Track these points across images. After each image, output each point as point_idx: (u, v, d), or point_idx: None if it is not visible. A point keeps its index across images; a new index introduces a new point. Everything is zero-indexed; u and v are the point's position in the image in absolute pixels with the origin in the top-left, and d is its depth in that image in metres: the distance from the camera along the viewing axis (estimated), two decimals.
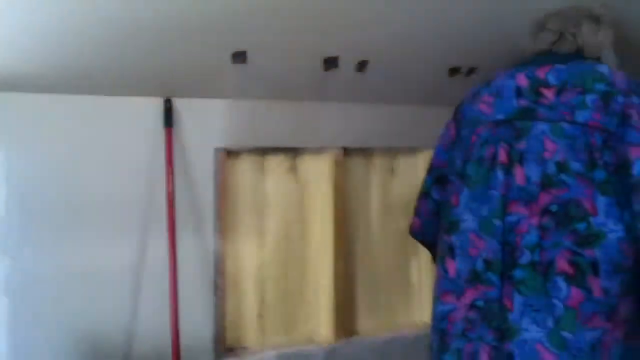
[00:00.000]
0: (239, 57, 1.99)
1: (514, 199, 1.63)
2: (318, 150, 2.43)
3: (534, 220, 1.60)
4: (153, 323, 2.12)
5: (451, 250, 1.73)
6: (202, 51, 1.95)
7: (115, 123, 2.05)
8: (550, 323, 1.56)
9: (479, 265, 1.67)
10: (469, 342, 1.67)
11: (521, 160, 1.64)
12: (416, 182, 2.65)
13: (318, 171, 2.45)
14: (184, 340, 2.10)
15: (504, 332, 1.61)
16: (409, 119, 2.50)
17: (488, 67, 2.46)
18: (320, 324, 2.48)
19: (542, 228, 1.60)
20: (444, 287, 1.75)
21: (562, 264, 1.57)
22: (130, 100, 2.05)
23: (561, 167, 1.61)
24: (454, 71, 2.38)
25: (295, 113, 2.31)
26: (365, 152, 2.54)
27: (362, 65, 2.18)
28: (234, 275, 2.32)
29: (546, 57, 1.76)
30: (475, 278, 1.67)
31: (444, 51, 2.25)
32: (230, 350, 2.30)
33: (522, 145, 1.65)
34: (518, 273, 1.60)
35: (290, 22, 1.90)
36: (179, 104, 2.13)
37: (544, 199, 1.60)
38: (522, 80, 1.72)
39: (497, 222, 1.64)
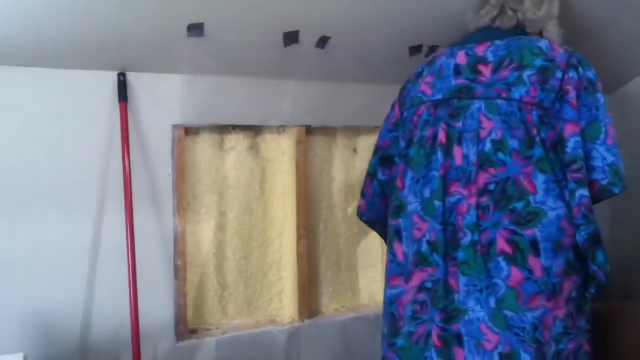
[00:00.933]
0: (195, 29, 1.94)
1: (453, 180, 1.62)
2: (279, 129, 2.39)
3: (473, 200, 1.59)
4: (111, 305, 2.05)
5: (398, 234, 1.73)
6: (157, 23, 1.89)
7: (67, 97, 1.97)
8: (492, 303, 1.56)
9: (424, 247, 1.66)
10: (420, 324, 1.66)
11: (459, 140, 1.63)
12: None
13: (279, 150, 2.41)
14: (143, 323, 2.04)
15: (450, 313, 1.61)
16: (371, 98, 2.47)
17: (449, 45, 2.46)
18: (283, 304, 2.45)
19: (480, 208, 1.59)
20: (392, 271, 1.75)
21: (502, 243, 1.56)
22: (83, 74, 1.98)
23: (498, 145, 1.58)
24: (414, 49, 2.36)
25: (256, 90, 2.26)
26: (328, 130, 2.50)
27: (322, 41, 2.14)
28: (194, 256, 2.27)
29: (487, 32, 1.75)
30: (421, 260, 1.66)
31: (404, 29, 2.23)
32: (193, 332, 2.25)
33: (459, 124, 1.63)
34: (460, 254, 1.60)
35: None
36: (134, 78, 2.06)
37: (482, 178, 1.59)
38: (462, 58, 1.70)
39: (438, 203, 1.63)
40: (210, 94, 2.18)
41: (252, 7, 1.92)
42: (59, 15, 1.75)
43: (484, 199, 1.58)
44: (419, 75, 1.80)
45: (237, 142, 2.34)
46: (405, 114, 1.78)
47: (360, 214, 1.98)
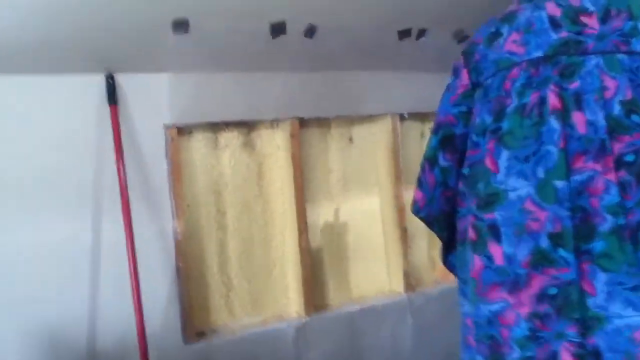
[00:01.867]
0: (181, 26, 1.92)
1: (577, 153, 1.33)
2: (272, 123, 2.37)
3: (611, 176, 1.32)
4: (115, 311, 2.02)
5: (494, 231, 1.37)
6: (142, 20, 1.86)
7: (58, 103, 1.94)
8: None
9: (544, 242, 1.33)
10: (541, 345, 1.34)
11: (579, 104, 1.35)
12: (376, 150, 2.63)
13: (274, 144, 2.39)
14: (149, 327, 2.01)
15: (586, 323, 1.30)
16: (363, 85, 2.46)
17: (439, 28, 2.44)
18: (289, 300, 2.42)
19: (621, 184, 1.32)
20: (488, 280, 1.36)
21: None
22: (71, 78, 1.95)
23: (630, 106, 1.34)
24: (403, 34, 2.35)
25: (246, 85, 2.24)
26: (322, 121, 2.48)
27: (310, 31, 2.13)
28: (197, 257, 2.24)
29: None
30: (541, 260, 1.33)
31: (393, 13, 2.22)
32: (200, 334, 2.22)
33: (575, 84, 1.35)
34: (598, 245, 1.32)
35: None
36: (122, 79, 2.03)
37: (616, 148, 1.33)
38: (554, 9, 1.41)
39: (561, 184, 1.32)
40: (200, 92, 2.16)
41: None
42: (42, 19, 1.73)
43: (623, 174, 1.32)
44: (496, 35, 1.43)
45: (231, 139, 2.31)
46: (484, 81, 1.42)
47: (417, 210, 1.58)
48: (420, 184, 1.55)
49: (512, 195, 1.35)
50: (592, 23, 1.38)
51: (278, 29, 2.07)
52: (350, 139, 2.57)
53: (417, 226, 2.63)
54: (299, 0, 1.99)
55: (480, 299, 1.38)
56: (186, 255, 2.17)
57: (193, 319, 2.18)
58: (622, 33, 1.36)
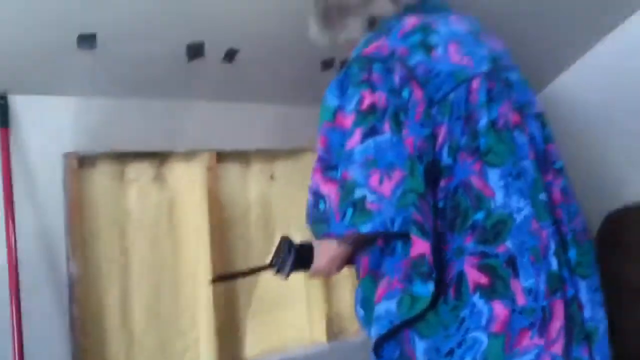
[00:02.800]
0: (87, 40, 1.70)
1: (539, 164, 1.32)
2: (187, 155, 2.17)
3: (558, 182, 1.34)
4: None
5: (511, 264, 1.21)
6: (43, 36, 1.64)
7: None
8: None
9: (553, 263, 1.23)
10: None
11: (525, 117, 1.35)
12: (299, 188, 2.47)
13: (188, 179, 2.18)
14: None
15: (588, 342, 1.25)
16: (286, 119, 2.31)
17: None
18: (200, 353, 2.17)
19: (563, 191, 1.34)
20: (516, 326, 1.19)
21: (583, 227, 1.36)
22: None
23: (545, 118, 1.40)
24: (326, 64, 2.23)
25: (159, 112, 2.03)
26: (241, 155, 2.30)
27: (230, 55, 1.96)
28: (94, 305, 1.97)
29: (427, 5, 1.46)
30: (556, 283, 1.22)
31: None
32: None
33: (516, 98, 1.35)
34: (572, 253, 1.29)
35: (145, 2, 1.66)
36: (17, 101, 1.79)
37: (550, 156, 1.36)
38: (460, 23, 1.41)
39: (543, 197, 1.27)
40: (107, 118, 1.93)
41: (151, 16, 1.72)
42: None
43: (559, 180, 1.36)
44: (426, 46, 1.32)
45: (140, 172, 2.09)
46: (451, 95, 1.29)
47: (431, 269, 1.24)
48: (424, 231, 1.24)
49: (518, 218, 1.22)
50: (488, 41, 1.40)
51: (195, 51, 1.89)
52: (272, 176, 2.40)
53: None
54: (219, 21, 1.82)
55: (511, 356, 1.18)
56: (82, 301, 1.90)
57: None
58: (506, 53, 1.43)
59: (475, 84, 1.30)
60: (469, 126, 1.28)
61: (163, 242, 2.14)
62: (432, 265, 1.22)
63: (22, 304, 1.70)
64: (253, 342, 2.31)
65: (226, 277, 1.99)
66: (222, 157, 2.22)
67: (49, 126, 1.85)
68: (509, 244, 1.22)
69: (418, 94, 1.27)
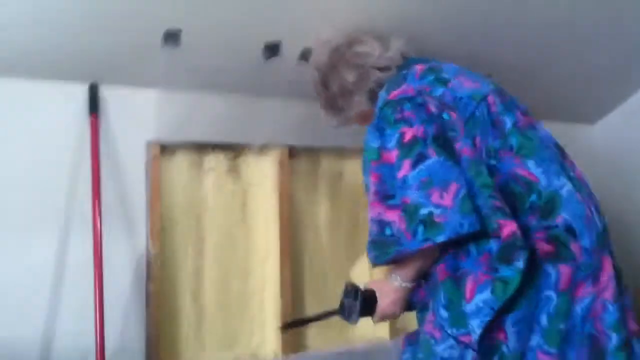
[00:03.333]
0: (172, 38, 1.84)
1: (559, 151, 1.60)
2: (261, 149, 2.27)
3: (574, 166, 1.61)
4: (74, 335, 1.87)
5: (570, 231, 1.46)
6: (132, 31, 1.79)
7: (34, 109, 1.86)
8: None
9: (599, 224, 1.50)
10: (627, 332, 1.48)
11: (531, 118, 1.62)
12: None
13: (261, 172, 2.29)
14: (111, 356, 1.87)
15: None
16: None
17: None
18: (266, 337, 2.27)
19: (581, 172, 1.62)
20: (575, 280, 1.45)
21: None
22: (53, 85, 1.87)
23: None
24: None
25: (235, 107, 2.15)
26: (312, 152, 2.39)
27: (306, 54, 2.05)
28: (169, 282, 2.11)
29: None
30: (603, 241, 1.50)
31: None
32: None
33: (520, 107, 1.62)
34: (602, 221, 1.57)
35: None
36: (106, 91, 1.96)
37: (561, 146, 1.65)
38: (452, 66, 1.67)
39: (573, 175, 1.56)
40: (187, 110, 2.07)
41: (232, 15, 1.84)
42: (30, 24, 1.66)
43: (575, 166, 1.63)
44: (442, 80, 1.59)
45: (216, 163, 2.22)
46: (476, 112, 1.55)
47: (523, 243, 1.44)
48: (507, 214, 1.45)
49: (564, 193, 1.48)
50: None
51: (272, 51, 1.99)
52: (341, 173, 2.47)
53: None
54: (297, 21, 1.92)
55: (567, 301, 1.44)
56: (158, 279, 2.04)
57: (159, 349, 2.03)
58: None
59: (490, 99, 1.57)
60: (499, 131, 1.54)
61: (235, 230, 2.25)
62: (523, 238, 1.41)
63: (104, 276, 1.85)
64: (317, 332, 2.38)
65: (295, 324, 2.08)
66: (294, 153, 2.32)
67: (134, 115, 2.01)
68: (564, 214, 1.46)
69: (454, 115, 1.53)
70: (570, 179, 1.52)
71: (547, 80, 2.55)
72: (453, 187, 1.41)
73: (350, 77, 1.71)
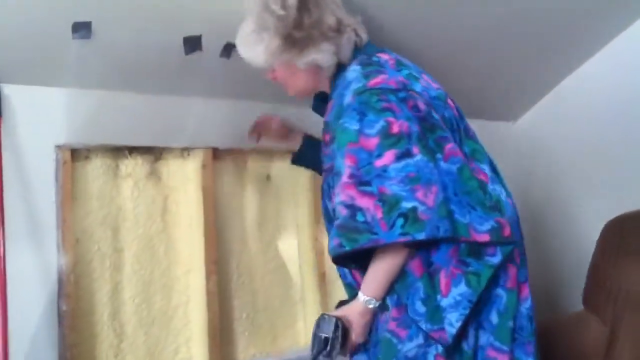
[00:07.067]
0: (82, 29, 1.68)
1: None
2: (183, 152, 2.14)
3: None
4: None
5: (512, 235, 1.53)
6: (36, 22, 1.62)
7: None
8: None
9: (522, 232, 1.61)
10: None
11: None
12: (295, 189, 2.43)
13: (184, 175, 2.15)
14: None
15: None
16: (288, 118, 2.28)
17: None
18: (193, 352, 2.12)
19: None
20: (522, 278, 1.55)
21: None
22: None
23: None
24: None
25: (154, 106, 2.01)
26: (237, 153, 2.27)
27: (227, 49, 1.93)
28: (84, 300, 1.93)
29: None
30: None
31: None
32: None
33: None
34: None
35: None
36: (10, 91, 1.76)
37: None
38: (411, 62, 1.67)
39: (504, 183, 1.62)
40: (100, 110, 1.91)
41: (148, 5, 1.70)
42: None
43: None
44: (413, 76, 1.57)
45: (134, 167, 2.06)
46: (446, 114, 1.57)
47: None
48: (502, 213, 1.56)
49: (503, 198, 1.54)
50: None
51: (193, 44, 1.87)
52: (268, 176, 2.37)
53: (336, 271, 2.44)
54: (218, 15, 1.80)
55: (520, 304, 1.51)
56: (72, 297, 1.86)
57: None
58: None
59: (449, 102, 1.60)
60: (459, 134, 1.57)
61: (156, 239, 2.10)
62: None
63: (9, 294, 1.66)
64: (246, 343, 2.26)
65: None
66: (218, 154, 2.20)
67: (42, 117, 1.82)
68: (506, 218, 1.50)
69: (437, 115, 1.52)
70: (503, 185, 1.58)
71: (467, 78, 2.56)
72: (434, 189, 1.41)
73: (330, 20, 1.57)
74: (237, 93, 2.14)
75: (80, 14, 1.66)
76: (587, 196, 2.82)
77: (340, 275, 1.68)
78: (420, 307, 1.41)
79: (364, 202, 1.40)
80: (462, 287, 1.41)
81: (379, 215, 1.38)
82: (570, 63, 2.79)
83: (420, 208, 1.37)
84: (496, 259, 1.44)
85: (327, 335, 1.41)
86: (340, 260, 1.51)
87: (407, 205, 1.37)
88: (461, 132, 1.58)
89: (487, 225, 1.44)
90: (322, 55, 1.58)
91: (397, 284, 1.47)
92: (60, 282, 1.84)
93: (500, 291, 1.48)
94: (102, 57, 1.79)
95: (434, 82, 1.62)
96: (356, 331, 1.47)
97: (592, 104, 2.78)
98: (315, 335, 1.44)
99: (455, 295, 1.41)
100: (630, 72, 2.64)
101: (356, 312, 1.47)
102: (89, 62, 1.79)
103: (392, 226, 1.37)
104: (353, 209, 1.41)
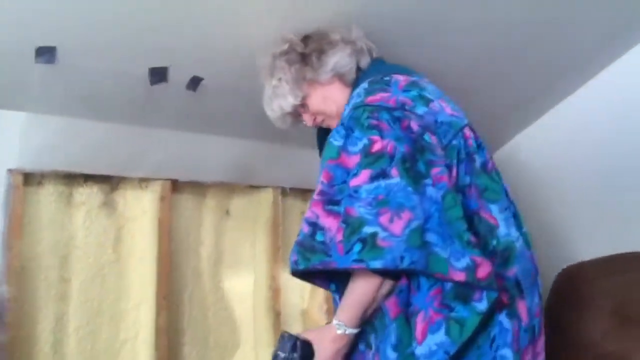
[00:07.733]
0: (46, 54, 1.65)
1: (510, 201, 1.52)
2: (141, 182, 2.10)
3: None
4: None
5: (518, 287, 1.38)
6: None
7: None
8: None
9: (540, 287, 1.47)
10: None
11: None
12: (253, 225, 2.40)
13: (140, 207, 2.10)
14: None
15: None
16: (247, 154, 2.26)
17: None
18: None
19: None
20: (523, 343, 1.35)
21: None
22: None
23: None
24: None
25: (114, 135, 1.96)
26: (196, 187, 2.24)
27: (194, 83, 1.92)
28: (26, 330, 1.85)
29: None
30: (541, 303, 1.46)
31: None
32: None
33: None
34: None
35: (112, 17, 1.62)
36: None
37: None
38: (428, 83, 1.56)
39: (525, 229, 1.49)
40: (58, 136, 1.86)
41: (116, 33, 1.67)
42: None
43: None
44: (425, 98, 1.47)
45: (89, 196, 2.00)
46: (454, 142, 1.43)
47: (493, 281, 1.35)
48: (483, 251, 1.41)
49: (518, 246, 1.39)
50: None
51: (159, 75, 1.84)
52: (227, 211, 2.34)
53: (291, 312, 2.41)
54: (187, 46, 1.79)
55: None
56: (14, 327, 1.78)
57: None
58: None
59: (467, 132, 1.47)
60: (471, 167, 1.43)
61: (107, 269, 2.04)
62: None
63: None
64: None
65: None
66: (177, 187, 2.16)
67: None
68: (515, 267, 1.38)
69: (434, 139, 1.40)
70: (522, 234, 1.45)
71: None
72: (406, 215, 1.27)
73: (334, 36, 1.62)
74: (201, 126, 2.12)
75: (45, 38, 1.63)
76: (546, 244, 2.84)
77: (333, 300, 1.54)
78: (391, 354, 1.28)
79: (327, 222, 1.33)
80: (440, 336, 1.25)
81: (339, 237, 1.28)
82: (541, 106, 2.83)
83: (382, 234, 1.24)
84: (482, 306, 1.26)
85: (283, 355, 1.33)
86: (299, 275, 1.40)
87: (368, 230, 1.25)
88: (475, 165, 1.44)
89: (462, 262, 1.27)
90: (340, 57, 1.60)
91: (376, 321, 1.35)
92: (2, 311, 1.76)
93: (507, 352, 1.32)
94: (65, 82, 1.75)
95: (454, 109, 1.50)
96: (322, 356, 1.34)
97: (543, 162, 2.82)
98: (273, 353, 1.36)
99: (430, 344, 1.25)
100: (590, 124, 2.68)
101: (327, 337, 1.34)
102: (51, 87, 1.74)
103: (349, 251, 1.25)
104: (315, 227, 1.34)
